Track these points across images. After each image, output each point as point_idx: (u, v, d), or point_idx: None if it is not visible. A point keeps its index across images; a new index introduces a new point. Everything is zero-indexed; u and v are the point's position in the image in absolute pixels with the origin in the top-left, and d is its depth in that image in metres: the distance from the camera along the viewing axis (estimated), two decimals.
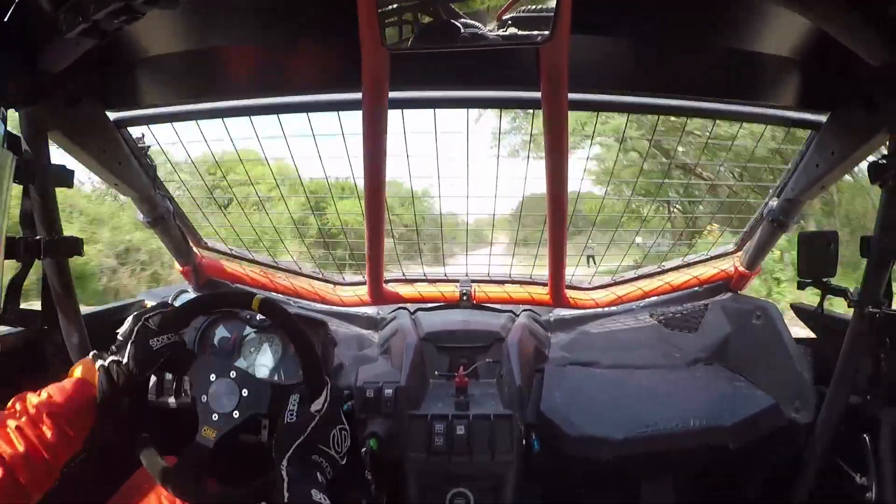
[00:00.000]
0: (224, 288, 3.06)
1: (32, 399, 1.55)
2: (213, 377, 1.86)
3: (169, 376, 2.17)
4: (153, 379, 2.15)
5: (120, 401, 1.70)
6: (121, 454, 1.86)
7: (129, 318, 1.86)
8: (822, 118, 2.20)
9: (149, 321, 1.82)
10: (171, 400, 2.15)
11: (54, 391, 1.59)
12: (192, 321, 2.07)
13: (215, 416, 1.82)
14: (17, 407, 1.53)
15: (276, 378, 2.45)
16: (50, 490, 1.52)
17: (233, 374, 1.86)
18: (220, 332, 2.57)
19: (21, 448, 1.44)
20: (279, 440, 1.66)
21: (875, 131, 1.93)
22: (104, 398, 1.65)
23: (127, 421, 1.75)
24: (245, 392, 1.84)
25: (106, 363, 1.71)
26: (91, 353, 1.77)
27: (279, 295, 3.11)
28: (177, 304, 2.46)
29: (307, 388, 1.82)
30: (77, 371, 1.71)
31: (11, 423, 1.47)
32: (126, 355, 1.74)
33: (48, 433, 1.49)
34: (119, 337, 1.82)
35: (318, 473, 1.61)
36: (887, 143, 1.87)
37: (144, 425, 1.81)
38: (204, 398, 1.84)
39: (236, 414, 1.82)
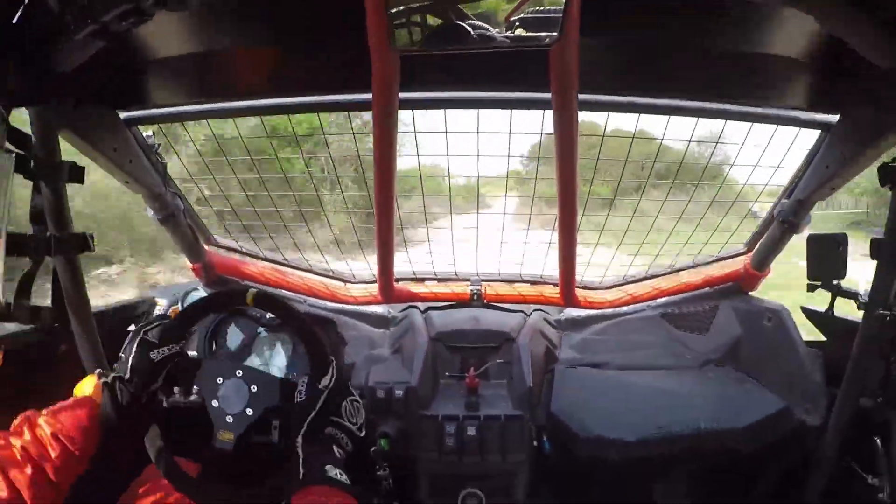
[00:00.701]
0: (234, 285, 3.06)
1: (38, 419, 1.55)
2: (220, 380, 1.85)
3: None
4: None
5: (124, 418, 1.69)
6: (126, 463, 1.86)
7: (130, 334, 1.86)
8: (833, 119, 2.18)
9: (147, 334, 1.83)
10: (181, 399, 2.15)
11: (60, 410, 1.60)
12: (192, 327, 2.06)
13: (229, 419, 1.81)
14: (24, 427, 1.53)
15: (289, 376, 2.44)
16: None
17: (239, 372, 1.85)
18: (233, 332, 2.57)
19: (28, 470, 1.44)
20: (292, 421, 1.66)
21: (885, 133, 1.92)
22: (108, 416, 1.66)
23: (133, 436, 1.75)
24: (254, 388, 1.83)
25: (108, 380, 1.71)
26: (96, 372, 1.77)
27: (289, 292, 3.11)
28: (186, 302, 2.45)
29: (312, 369, 1.82)
30: (82, 389, 1.73)
31: (17, 444, 1.48)
32: (128, 370, 1.74)
33: (54, 454, 1.50)
34: (121, 354, 1.82)
35: (334, 447, 1.61)
36: None
37: (160, 434, 1.79)
38: (215, 402, 1.83)
39: (249, 411, 1.81)
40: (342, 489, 1.47)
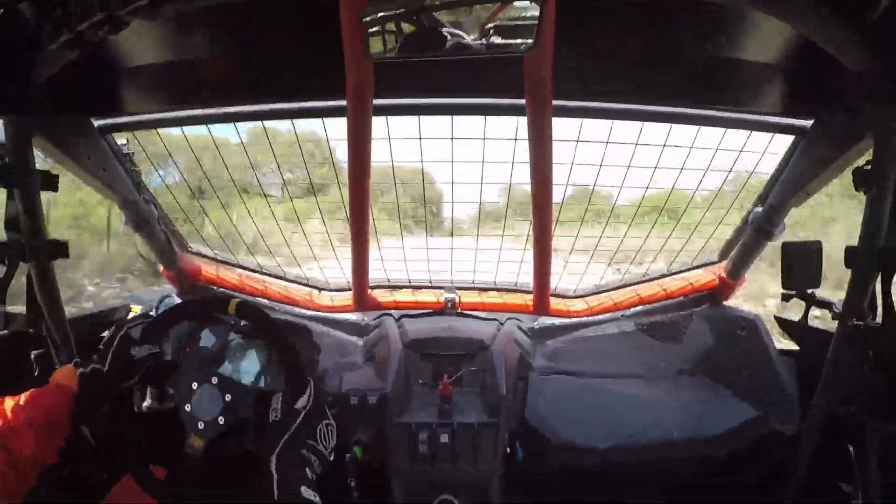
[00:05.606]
0: (208, 293, 3.04)
1: (9, 403, 1.53)
2: (194, 385, 1.84)
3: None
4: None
5: (98, 408, 1.67)
6: (100, 467, 1.84)
7: (113, 328, 1.85)
8: (807, 124, 2.20)
9: (130, 331, 1.81)
10: (155, 404, 2.13)
11: (32, 397, 1.57)
12: (172, 328, 2.05)
13: (201, 425, 1.79)
14: None
15: (260, 384, 2.43)
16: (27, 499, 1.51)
17: (214, 380, 1.84)
18: (205, 337, 2.56)
19: None
20: (266, 439, 1.64)
21: (859, 137, 1.94)
22: (81, 404, 1.63)
23: (105, 431, 1.72)
24: (228, 397, 1.82)
25: (87, 371, 1.69)
26: (73, 362, 1.75)
27: (264, 300, 3.09)
28: (161, 309, 2.44)
29: (289, 388, 1.80)
30: (57, 377, 1.69)
31: None
32: (107, 364, 1.72)
33: (24, 440, 1.47)
34: (101, 346, 1.80)
35: (307, 469, 1.60)
36: (872, 149, 1.87)
37: (131, 438, 1.78)
38: (188, 407, 1.81)
39: (221, 420, 1.80)
40: None
